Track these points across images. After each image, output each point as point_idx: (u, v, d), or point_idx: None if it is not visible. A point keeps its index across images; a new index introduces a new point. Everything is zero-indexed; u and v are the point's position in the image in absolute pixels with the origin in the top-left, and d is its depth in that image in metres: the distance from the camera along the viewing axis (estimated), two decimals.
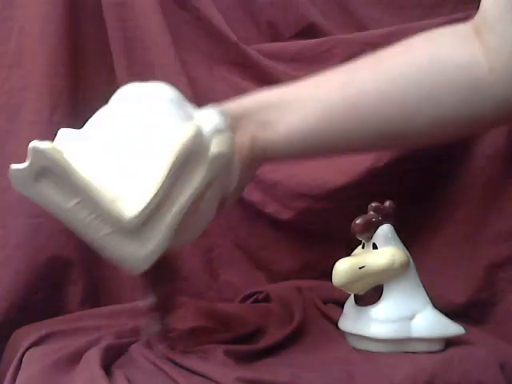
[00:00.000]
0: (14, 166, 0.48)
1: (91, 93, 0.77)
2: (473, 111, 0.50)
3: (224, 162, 0.51)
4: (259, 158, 0.55)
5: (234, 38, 0.81)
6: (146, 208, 0.47)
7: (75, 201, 0.47)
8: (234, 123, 0.53)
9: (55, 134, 0.72)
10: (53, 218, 0.48)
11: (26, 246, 0.70)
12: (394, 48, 0.53)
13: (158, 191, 0.47)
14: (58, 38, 0.74)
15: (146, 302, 0.55)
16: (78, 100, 0.76)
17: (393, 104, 0.50)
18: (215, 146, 0.50)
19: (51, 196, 0.48)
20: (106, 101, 0.53)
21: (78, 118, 0.74)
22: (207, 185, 0.50)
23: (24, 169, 0.48)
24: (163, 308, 0.56)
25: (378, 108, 0.50)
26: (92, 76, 0.78)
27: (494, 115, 0.50)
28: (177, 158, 0.48)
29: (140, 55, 0.78)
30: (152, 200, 0.47)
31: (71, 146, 0.50)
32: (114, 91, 0.54)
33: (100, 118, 0.52)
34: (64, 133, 0.52)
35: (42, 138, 0.74)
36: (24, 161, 0.48)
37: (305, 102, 0.52)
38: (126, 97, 0.53)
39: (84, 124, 0.53)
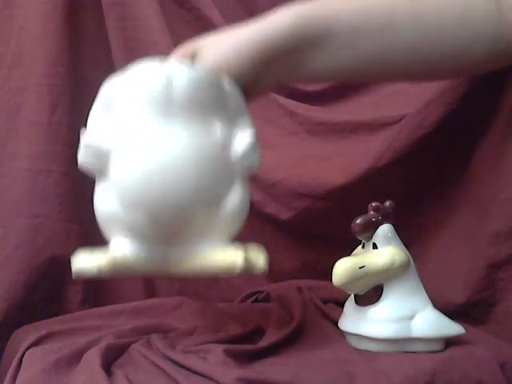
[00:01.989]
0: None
1: (91, 93, 0.77)
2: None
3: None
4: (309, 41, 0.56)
5: None
6: None
7: None
8: None
9: (55, 134, 0.73)
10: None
11: (26, 245, 0.70)
12: None
13: None
14: (58, 38, 0.74)
15: None
16: (78, 100, 0.76)
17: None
18: None
19: None
20: None
21: (77, 118, 0.75)
22: None
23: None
24: None
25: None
26: (92, 76, 0.78)
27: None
28: None
29: (140, 55, 0.78)
30: None
31: None
32: None
33: None
34: None
35: (42, 138, 0.74)
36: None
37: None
38: None
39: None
